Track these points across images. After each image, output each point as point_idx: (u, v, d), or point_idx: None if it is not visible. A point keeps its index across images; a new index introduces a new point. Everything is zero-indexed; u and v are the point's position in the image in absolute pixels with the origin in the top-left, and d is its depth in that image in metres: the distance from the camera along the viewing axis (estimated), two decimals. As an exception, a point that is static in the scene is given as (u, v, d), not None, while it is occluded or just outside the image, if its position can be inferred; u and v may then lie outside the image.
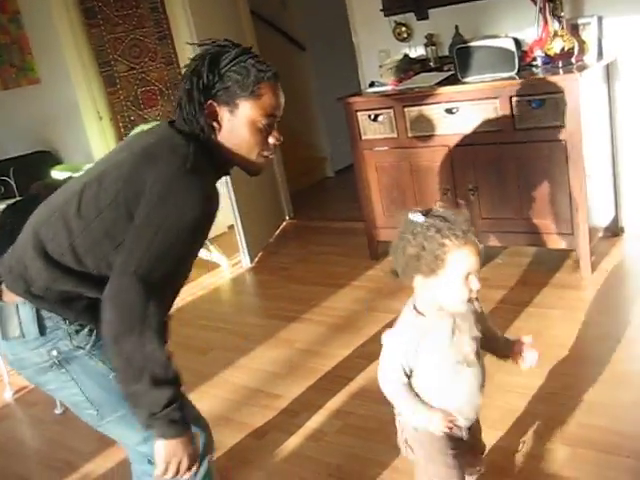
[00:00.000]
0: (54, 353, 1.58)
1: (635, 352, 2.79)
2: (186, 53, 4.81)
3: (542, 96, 3.28)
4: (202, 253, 4.61)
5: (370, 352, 3.11)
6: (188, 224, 1.49)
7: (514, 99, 3.36)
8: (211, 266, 4.52)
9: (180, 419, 1.51)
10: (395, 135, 3.81)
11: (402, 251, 1.63)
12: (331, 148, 6.27)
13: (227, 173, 1.73)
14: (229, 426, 2.75)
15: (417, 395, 1.73)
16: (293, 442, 2.60)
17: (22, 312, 1.56)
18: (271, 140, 1.67)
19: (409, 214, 1.64)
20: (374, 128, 3.87)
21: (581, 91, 3.20)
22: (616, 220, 3.81)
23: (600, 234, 3.61)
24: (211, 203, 1.55)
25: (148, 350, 1.45)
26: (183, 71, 1.67)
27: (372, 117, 3.85)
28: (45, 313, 1.57)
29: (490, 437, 2.32)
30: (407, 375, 1.72)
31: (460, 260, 1.57)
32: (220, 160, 1.66)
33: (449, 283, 1.61)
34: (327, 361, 3.13)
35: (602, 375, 2.62)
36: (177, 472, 1.54)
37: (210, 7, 4.25)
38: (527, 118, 3.36)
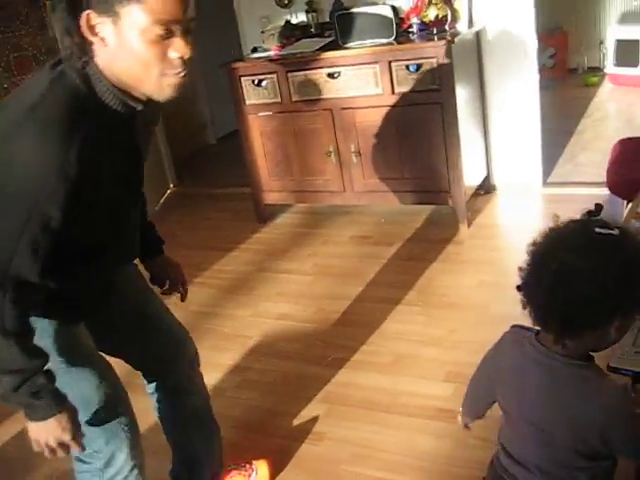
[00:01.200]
0: None
1: (509, 296, 3.02)
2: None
3: (418, 61, 3.45)
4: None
5: (263, 311, 3.23)
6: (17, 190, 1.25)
7: (393, 64, 3.51)
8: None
9: (46, 395, 1.42)
10: (279, 100, 3.88)
11: (600, 283, 1.18)
12: (212, 115, 6.25)
13: (132, 105, 1.36)
14: (130, 389, 2.77)
15: None
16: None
17: None
18: (172, 54, 1.28)
19: (596, 229, 1.20)
20: (258, 93, 3.92)
21: (454, 56, 3.40)
22: (488, 178, 4.07)
23: (474, 192, 3.86)
24: (60, 162, 1.23)
25: None
26: None
27: (256, 82, 3.89)
28: None
29: (386, 381, 2.50)
30: None
31: None
32: (102, 84, 1.31)
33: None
34: (222, 321, 3.20)
35: (481, 318, 2.85)
36: (52, 451, 1.48)
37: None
38: (405, 82, 3.52)
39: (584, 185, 3.90)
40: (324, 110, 3.78)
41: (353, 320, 3.02)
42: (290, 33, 4.02)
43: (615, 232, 1.18)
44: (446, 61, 3.37)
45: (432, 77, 3.45)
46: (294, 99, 3.84)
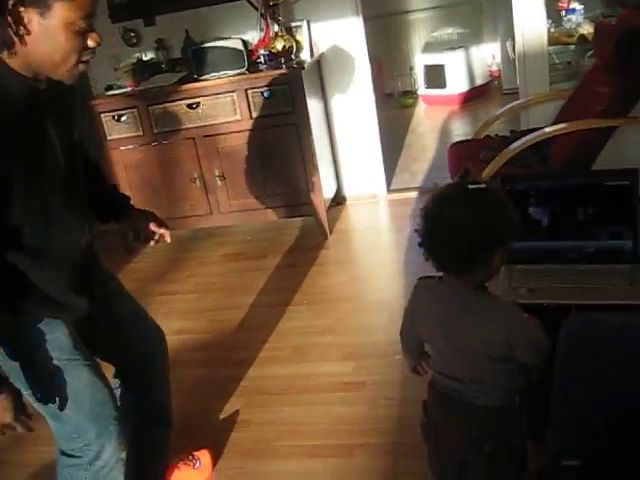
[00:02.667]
0: None
1: (376, 285, 3.43)
2: None
3: (272, 87, 3.80)
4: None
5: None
6: None
7: (249, 91, 3.83)
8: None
9: None
10: (141, 132, 4.06)
11: (483, 226, 1.51)
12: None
13: (28, 99, 1.51)
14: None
15: None
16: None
17: None
18: (90, 43, 1.47)
19: (469, 185, 1.52)
20: (119, 128, 4.08)
21: (303, 81, 3.79)
22: (339, 190, 4.50)
23: (330, 203, 4.27)
24: None
25: None
26: None
27: (116, 117, 4.05)
28: None
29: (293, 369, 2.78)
30: None
31: None
32: (6, 72, 1.45)
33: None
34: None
35: (360, 306, 3.22)
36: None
37: None
38: (261, 107, 3.85)
39: (419, 189, 4.45)
40: (186, 139, 4.01)
41: (247, 325, 3.26)
42: (143, 70, 4.21)
43: (483, 185, 1.52)
44: (298, 85, 3.75)
45: (285, 101, 3.81)
46: (155, 131, 4.03)
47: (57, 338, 1.66)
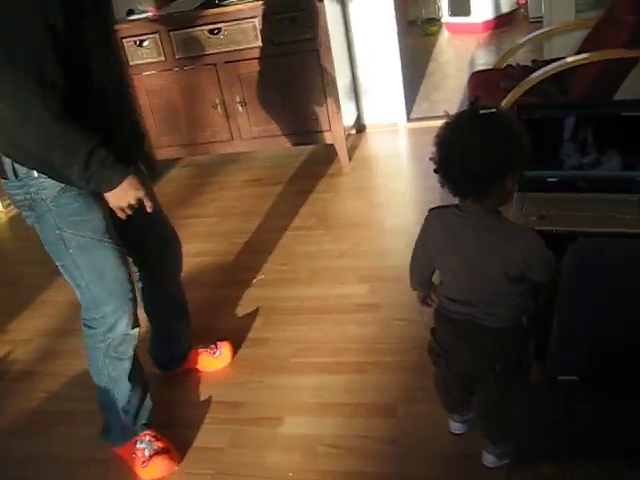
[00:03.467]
0: (27, 196, 1.85)
1: (394, 212, 3.49)
2: None
3: (293, 13, 3.78)
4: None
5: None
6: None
7: (271, 17, 3.82)
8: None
9: (112, 162, 1.75)
10: (163, 58, 4.08)
11: (493, 151, 1.56)
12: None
13: None
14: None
15: None
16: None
17: (4, 158, 1.82)
18: None
19: (480, 111, 1.57)
20: (141, 53, 4.10)
21: (325, 7, 3.76)
22: (359, 118, 4.52)
23: (350, 131, 4.30)
24: None
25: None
26: None
27: (138, 43, 4.07)
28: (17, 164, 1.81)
29: (310, 290, 2.88)
30: None
31: None
32: None
33: None
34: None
35: (379, 231, 3.30)
36: (131, 208, 1.86)
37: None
38: (282, 34, 3.85)
39: (440, 118, 4.44)
40: (208, 65, 4.03)
41: (265, 248, 3.35)
42: (165, -6, 4.21)
43: (494, 110, 1.57)
44: (320, 11, 3.73)
45: (306, 27, 3.79)
46: (177, 57, 4.05)
47: (93, 220, 1.90)
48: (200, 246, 3.47)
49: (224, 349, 2.59)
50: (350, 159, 4.10)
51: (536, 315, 1.78)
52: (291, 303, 2.89)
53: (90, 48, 1.76)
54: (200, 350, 2.57)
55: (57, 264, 1.98)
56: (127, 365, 2.13)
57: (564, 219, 2.10)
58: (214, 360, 2.58)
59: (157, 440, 2.19)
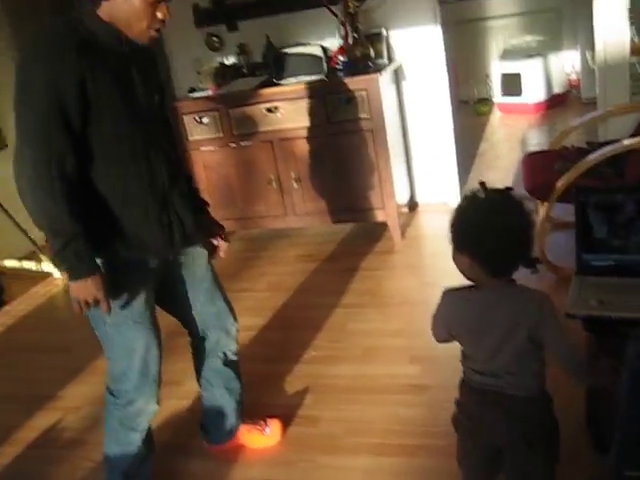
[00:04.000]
0: None
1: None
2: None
3: (350, 93, 3.88)
4: (31, 264, 4.64)
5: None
6: (24, 85, 1.76)
7: (327, 97, 3.93)
8: (43, 276, 4.55)
9: (86, 256, 1.84)
10: (221, 134, 4.21)
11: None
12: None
13: (116, 42, 1.86)
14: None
15: None
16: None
17: None
18: (159, 14, 1.84)
19: (510, 191, 1.69)
20: (200, 129, 4.24)
21: (381, 88, 3.86)
22: (412, 197, 4.55)
23: (402, 209, 4.32)
24: (52, 63, 1.73)
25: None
26: None
27: (198, 119, 4.21)
28: None
29: (361, 369, 2.85)
30: None
31: None
32: (103, 30, 1.83)
33: None
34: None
35: (427, 310, 3.24)
36: (87, 306, 1.90)
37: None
38: (338, 113, 3.94)
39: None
40: (264, 142, 4.14)
41: (317, 325, 3.34)
42: (225, 73, 4.37)
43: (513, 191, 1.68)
44: (376, 92, 3.82)
45: (362, 107, 3.88)
46: (235, 133, 4.18)
47: (133, 301, 2.00)
48: (251, 320, 3.48)
49: (274, 427, 2.56)
50: (402, 237, 4.11)
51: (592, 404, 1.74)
52: (342, 381, 2.86)
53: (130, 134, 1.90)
54: (249, 426, 2.55)
55: (95, 332, 2.10)
56: (139, 437, 2.22)
57: (624, 305, 2.05)
58: (263, 437, 2.55)
59: None
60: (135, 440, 2.21)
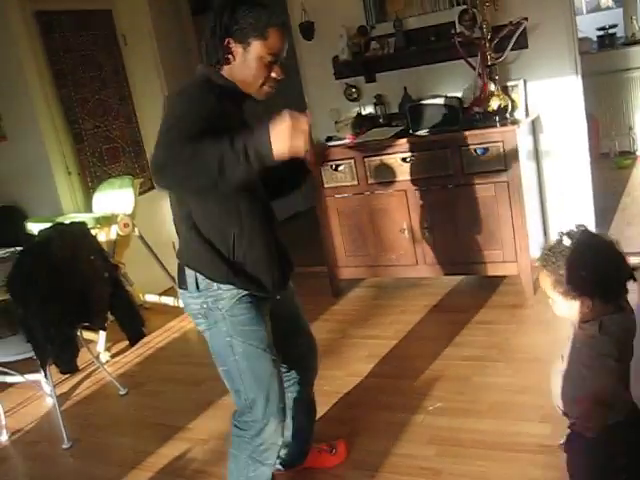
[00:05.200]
0: (204, 305, 2.13)
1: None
2: (144, 113, 5.17)
3: (486, 145, 3.87)
4: (169, 299, 4.88)
5: (357, 370, 3.52)
6: (177, 113, 1.94)
7: (462, 148, 3.93)
8: (179, 312, 4.77)
9: (252, 130, 1.84)
10: (356, 182, 4.30)
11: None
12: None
13: (238, 96, 2.10)
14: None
15: None
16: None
17: (187, 272, 2.15)
18: (273, 74, 2.07)
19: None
20: (335, 177, 4.35)
21: (517, 140, 3.82)
22: (546, 250, 4.43)
23: (535, 262, 4.20)
24: (193, 102, 1.95)
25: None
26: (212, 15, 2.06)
27: (334, 167, 4.33)
28: (200, 276, 2.12)
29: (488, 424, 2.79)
30: None
31: None
32: (229, 86, 2.06)
33: None
34: (321, 381, 3.43)
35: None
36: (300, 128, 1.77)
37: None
38: (474, 164, 3.93)
39: (634, 255, 4.25)
40: (398, 191, 4.18)
41: (444, 376, 3.31)
42: (362, 123, 4.48)
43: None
44: (512, 144, 3.79)
45: (498, 159, 3.86)
46: (370, 182, 4.26)
47: (261, 331, 2.18)
48: (377, 367, 3.50)
49: (340, 447, 2.81)
50: (535, 291, 4.00)
51: None
52: (467, 435, 2.80)
53: None
54: (319, 449, 2.78)
55: (220, 369, 2.23)
56: (268, 471, 2.31)
57: None
58: (331, 457, 2.78)
59: None
60: (266, 475, 2.31)
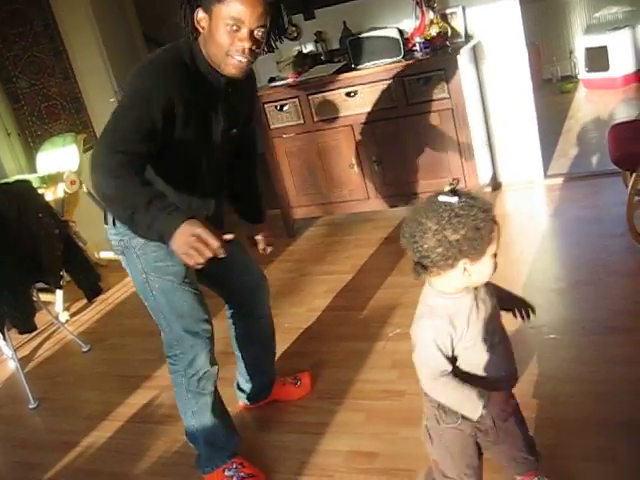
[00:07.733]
0: (121, 242, 2.15)
1: (531, 269, 3.41)
2: (82, 67, 5.04)
3: (428, 74, 3.88)
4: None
5: (316, 306, 3.57)
6: (134, 93, 1.91)
7: (405, 79, 3.94)
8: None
9: (174, 208, 1.81)
10: (302, 121, 4.28)
11: (439, 238, 1.55)
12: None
13: (214, 77, 2.02)
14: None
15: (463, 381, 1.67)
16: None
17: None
18: (239, 44, 1.89)
19: (439, 197, 1.58)
20: (281, 117, 4.32)
21: (459, 67, 3.83)
22: (495, 176, 4.50)
23: (485, 188, 4.28)
24: (158, 79, 1.90)
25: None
26: None
27: (278, 107, 4.29)
28: None
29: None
30: (449, 359, 1.67)
31: (496, 237, 1.61)
32: (201, 58, 1.99)
33: (486, 261, 1.59)
34: (281, 319, 3.49)
35: (513, 288, 3.21)
36: (201, 250, 1.77)
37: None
38: (417, 94, 3.95)
39: (578, 175, 4.36)
40: (344, 127, 4.18)
41: (401, 303, 3.35)
42: (303, 61, 4.44)
43: (453, 201, 1.55)
44: (454, 72, 3.80)
45: (441, 86, 3.87)
46: (316, 119, 4.24)
47: (174, 265, 2.13)
48: (335, 301, 3.55)
49: (305, 379, 2.84)
50: (484, 215, 4.07)
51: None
52: (427, 357, 2.87)
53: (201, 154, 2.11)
54: (284, 381, 2.82)
55: (145, 304, 2.26)
56: (208, 400, 2.33)
57: None
58: (296, 389, 2.82)
59: (244, 467, 2.36)
60: (207, 404, 2.33)
